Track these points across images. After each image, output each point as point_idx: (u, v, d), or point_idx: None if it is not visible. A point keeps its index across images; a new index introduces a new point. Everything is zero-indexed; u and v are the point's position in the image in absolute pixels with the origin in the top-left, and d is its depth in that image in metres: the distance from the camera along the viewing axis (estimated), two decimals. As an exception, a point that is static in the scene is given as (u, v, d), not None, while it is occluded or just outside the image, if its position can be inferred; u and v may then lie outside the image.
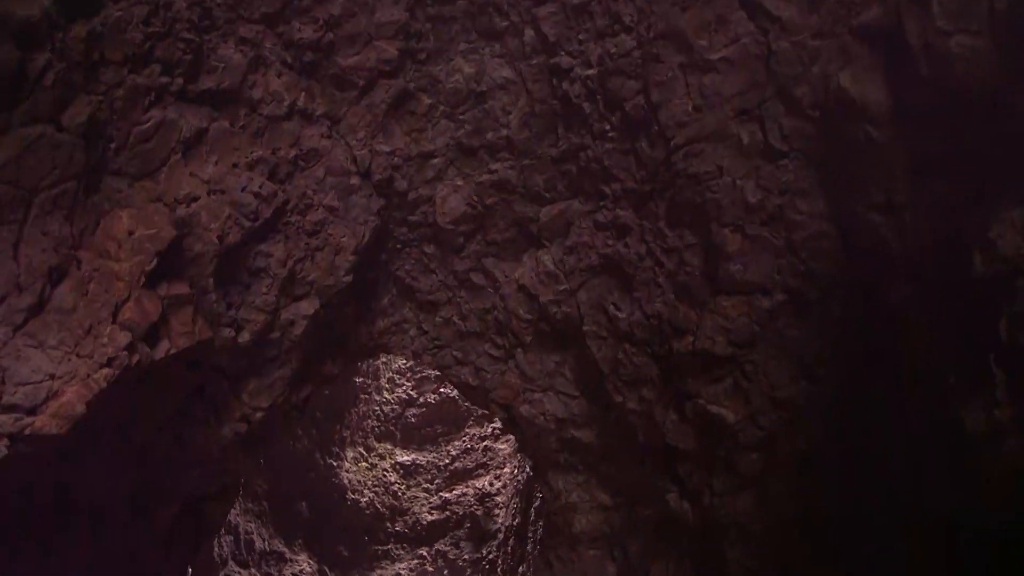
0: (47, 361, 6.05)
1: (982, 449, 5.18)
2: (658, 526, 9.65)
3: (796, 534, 7.77)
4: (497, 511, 15.39)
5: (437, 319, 8.89)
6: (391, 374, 17.80)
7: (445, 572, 14.99)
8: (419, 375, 17.97)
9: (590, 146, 7.38)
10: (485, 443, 16.72)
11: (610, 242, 7.60)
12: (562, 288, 7.98)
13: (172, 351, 6.79)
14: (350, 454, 16.08)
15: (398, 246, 8.51)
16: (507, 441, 16.70)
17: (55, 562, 7.21)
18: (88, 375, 6.16)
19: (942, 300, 5.86)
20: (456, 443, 16.89)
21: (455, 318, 8.85)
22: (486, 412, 17.41)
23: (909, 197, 5.75)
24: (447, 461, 16.60)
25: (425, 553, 15.33)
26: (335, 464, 15.49)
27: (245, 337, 7.62)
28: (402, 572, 15.10)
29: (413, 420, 17.30)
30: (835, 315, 6.79)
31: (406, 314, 8.97)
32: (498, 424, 17.07)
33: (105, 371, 6.24)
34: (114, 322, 6.38)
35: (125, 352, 6.35)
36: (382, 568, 15.18)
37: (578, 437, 9.17)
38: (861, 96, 5.70)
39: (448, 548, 15.31)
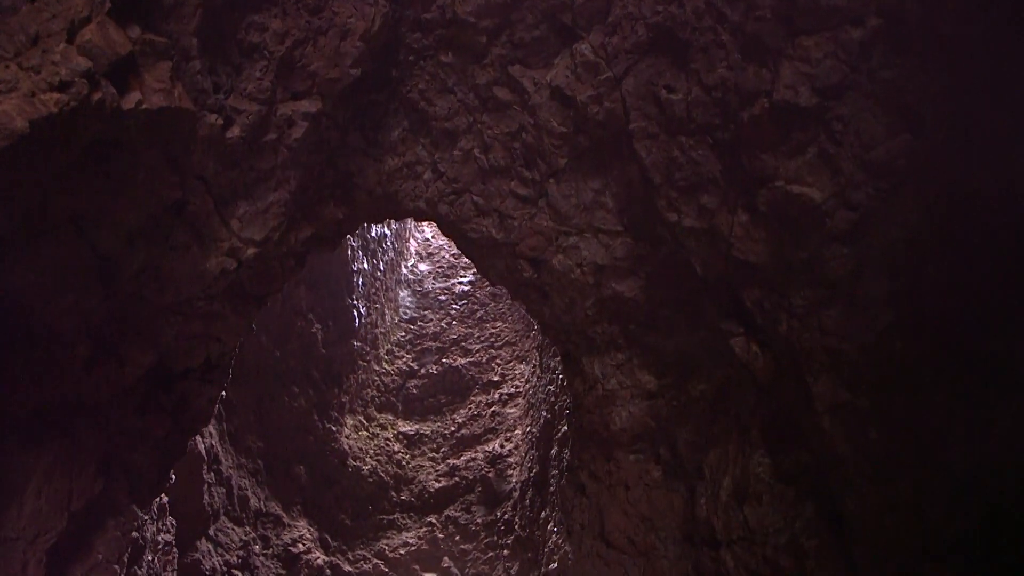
0: (-22, 62, 4.47)
1: None
2: (715, 400, 7.96)
3: (893, 348, 6.17)
4: (510, 471, 13.54)
5: (455, 153, 7.34)
6: (390, 346, 16.10)
7: (457, 538, 13.04)
8: (419, 347, 16.30)
9: None
10: (492, 409, 14.96)
11: (660, 7, 6.17)
12: (604, 78, 6.49)
13: (144, 106, 5.21)
14: (350, 421, 14.25)
15: (411, 58, 7.01)
16: (516, 405, 14.97)
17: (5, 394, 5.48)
18: (34, 92, 4.58)
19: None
20: (461, 411, 15.12)
21: (476, 151, 7.30)
22: (483, 380, 15.76)
23: None
24: (453, 429, 14.80)
25: (434, 520, 13.39)
26: (334, 429, 13.65)
27: (235, 132, 6.06)
28: (410, 541, 13.12)
29: (415, 391, 15.54)
30: (943, 37, 5.38)
31: (420, 153, 7.42)
32: (506, 389, 15.38)
33: (56, 95, 4.66)
34: (71, 43, 4.83)
35: (84, 80, 4.78)
36: (388, 538, 13.20)
37: (620, 292, 7.57)
38: None
39: (459, 514, 13.39)
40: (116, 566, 6.21)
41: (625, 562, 8.95)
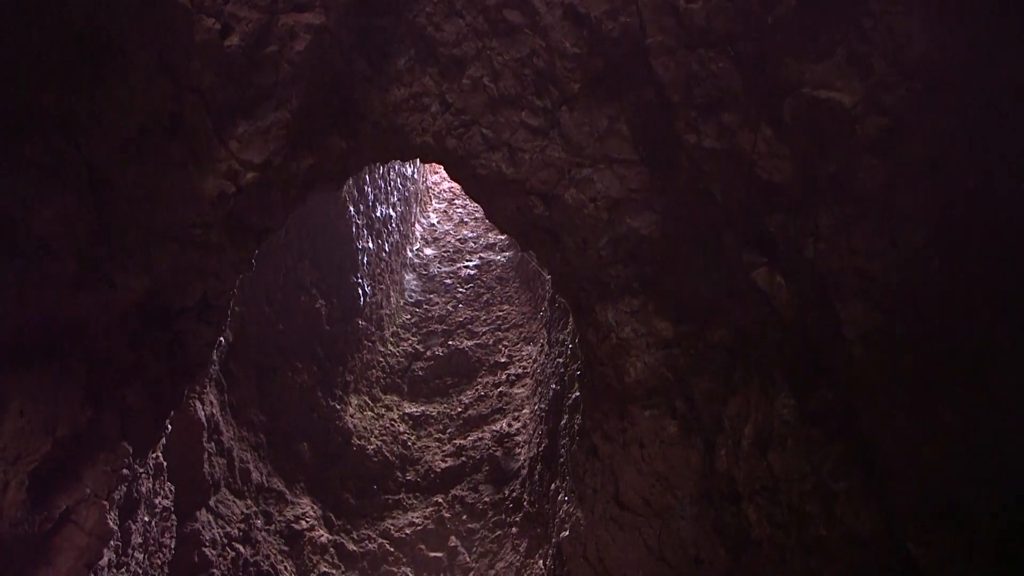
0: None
1: None
2: (736, 347, 7.52)
3: (930, 266, 5.74)
4: (518, 450, 13.07)
5: (464, 82, 6.96)
6: (395, 328, 15.68)
7: (464, 517, 12.54)
8: (425, 330, 15.88)
9: None
10: (500, 389, 14.51)
11: (682, -93, 5.83)
12: (620, -11, 6.15)
13: (136, -7, 4.84)
14: (354, 401, 13.80)
15: (417, -21, 6.69)
16: (523, 385, 14.51)
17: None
18: (13, -42, 4.21)
19: None
20: (468, 393, 14.66)
21: (485, 79, 6.93)
22: (489, 364, 15.30)
23: None
24: (459, 410, 14.33)
25: (440, 500, 12.90)
26: (339, 407, 13.19)
27: (234, 40, 5.69)
28: (416, 521, 12.62)
29: (421, 373, 15.10)
30: (983, -80, 5.01)
31: (427, 83, 7.04)
32: (513, 370, 14.93)
33: (39, -35, 4.29)
34: (54, -86, 4.47)
35: (69, -47, 4.42)
36: (393, 518, 12.70)
37: (636, 228, 7.18)
38: None
39: (466, 493, 12.89)
40: (105, 502, 5.77)
41: (640, 524, 8.49)
